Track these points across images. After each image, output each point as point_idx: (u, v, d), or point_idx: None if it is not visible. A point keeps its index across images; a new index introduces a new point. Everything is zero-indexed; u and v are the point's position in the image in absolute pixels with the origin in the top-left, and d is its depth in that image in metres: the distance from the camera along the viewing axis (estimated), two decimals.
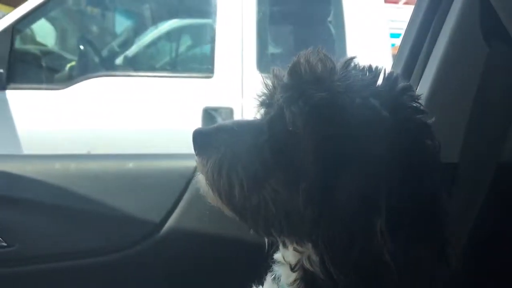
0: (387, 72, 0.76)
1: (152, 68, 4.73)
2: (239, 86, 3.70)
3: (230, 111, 3.61)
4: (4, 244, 1.29)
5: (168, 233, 1.32)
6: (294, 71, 0.75)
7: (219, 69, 3.71)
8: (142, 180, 1.37)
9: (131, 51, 4.54)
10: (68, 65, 4.32)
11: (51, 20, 4.56)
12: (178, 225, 1.32)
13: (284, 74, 0.77)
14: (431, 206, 0.69)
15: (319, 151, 0.67)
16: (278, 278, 0.81)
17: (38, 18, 4.18)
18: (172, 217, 1.32)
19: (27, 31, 4.23)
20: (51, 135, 3.54)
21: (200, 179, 0.78)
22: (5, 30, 3.72)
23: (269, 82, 0.79)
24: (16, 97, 3.64)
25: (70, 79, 3.96)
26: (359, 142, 0.66)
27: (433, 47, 1.12)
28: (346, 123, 0.67)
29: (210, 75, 3.73)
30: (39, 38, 4.74)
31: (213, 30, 3.81)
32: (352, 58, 0.77)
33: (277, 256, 0.82)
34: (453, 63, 1.12)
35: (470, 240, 1.11)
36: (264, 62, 3.79)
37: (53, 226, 1.33)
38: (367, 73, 0.76)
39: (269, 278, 0.84)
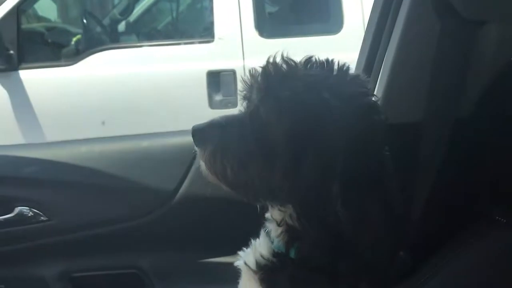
0: (339, 64, 0.94)
1: (155, 33, 4.82)
2: (240, 48, 3.78)
3: (233, 73, 3.73)
4: (46, 218, 1.54)
5: (181, 198, 1.55)
6: (264, 73, 0.93)
7: (219, 33, 3.79)
8: (155, 155, 1.60)
9: (133, 17, 4.60)
10: (74, 39, 4.34)
11: None
12: (189, 191, 1.55)
13: (258, 73, 0.94)
14: (377, 170, 0.88)
15: (287, 137, 0.85)
16: (269, 232, 1.01)
17: None
18: (183, 185, 1.55)
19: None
20: (65, 110, 3.67)
21: (201, 164, 0.97)
22: (10, 12, 3.76)
23: (247, 81, 0.97)
24: (28, 76, 3.74)
25: (78, 54, 4.03)
26: (316, 128, 0.85)
27: (393, 29, 1.29)
28: (306, 114, 0.85)
29: (211, 39, 3.81)
30: (41, 13, 4.82)
31: None
32: (311, 57, 0.95)
33: (267, 215, 1.01)
34: (412, 37, 1.29)
35: (433, 191, 1.31)
36: (262, 22, 3.87)
37: (83, 201, 1.57)
38: (325, 67, 0.94)
39: (263, 232, 1.03)
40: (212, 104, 3.74)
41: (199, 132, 0.95)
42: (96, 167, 1.54)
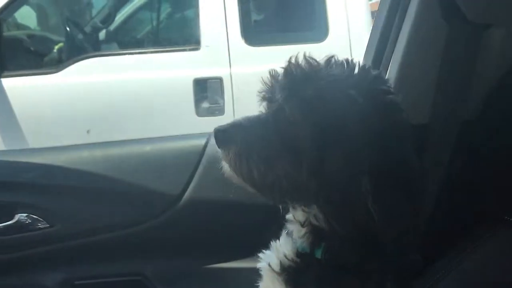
0: (361, 64, 0.96)
1: (140, 41, 4.79)
2: (226, 55, 3.78)
3: (220, 81, 3.73)
4: (47, 225, 1.51)
5: (187, 202, 1.54)
6: (287, 73, 0.93)
7: (206, 41, 3.79)
8: (159, 159, 1.58)
9: (116, 26, 4.57)
10: (56, 47, 4.33)
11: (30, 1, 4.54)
12: (195, 195, 1.53)
13: (279, 74, 0.95)
14: (403, 167, 0.89)
15: (313, 135, 0.86)
16: (291, 233, 1.00)
17: (22, 4, 4.19)
18: (189, 189, 1.53)
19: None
20: (49, 118, 3.62)
21: (225, 166, 0.96)
22: None
23: (267, 81, 0.97)
24: (11, 84, 3.67)
25: (60, 62, 4.01)
26: (343, 125, 0.85)
27: (400, 31, 1.31)
28: (332, 112, 0.86)
29: (197, 47, 3.81)
30: (20, 21, 4.76)
31: (197, 2, 3.85)
32: (332, 56, 0.96)
33: (289, 216, 1.01)
34: (419, 40, 1.31)
35: (441, 192, 1.32)
36: (248, 30, 3.87)
37: (86, 206, 1.54)
38: (346, 67, 0.95)
39: (284, 233, 1.03)
40: (199, 112, 3.74)
41: (221, 134, 0.94)
42: (98, 172, 1.52)
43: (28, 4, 4.45)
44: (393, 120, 0.91)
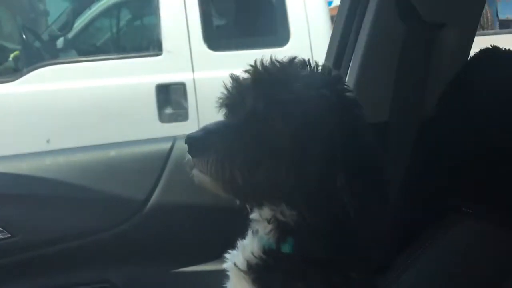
0: (319, 65, 0.97)
1: (99, 48, 4.73)
2: (189, 61, 3.81)
3: (183, 86, 3.72)
4: (9, 235, 1.46)
5: (153, 207, 1.52)
6: (257, 77, 0.93)
7: (167, 47, 3.76)
8: (124, 164, 1.56)
9: (75, 33, 4.50)
10: (12, 55, 4.22)
11: None
12: (161, 200, 1.53)
13: (242, 78, 0.95)
14: (373, 160, 0.91)
15: (293, 137, 0.87)
16: (256, 231, 0.99)
17: None
18: (155, 194, 1.52)
19: None
20: (6, 128, 3.43)
21: (199, 176, 0.92)
22: None
23: (229, 86, 0.95)
24: None
25: (17, 70, 3.92)
26: (319, 124, 0.88)
27: (359, 32, 1.35)
28: (309, 112, 0.87)
29: (159, 53, 3.78)
30: None
31: (157, 8, 3.83)
32: (295, 57, 0.96)
33: (254, 215, 1.00)
34: (377, 40, 1.36)
35: (402, 188, 1.37)
36: (210, 35, 3.87)
37: (50, 215, 1.50)
38: (309, 68, 0.95)
39: (249, 233, 1.02)
40: (162, 118, 3.72)
41: (197, 142, 0.90)
42: (61, 179, 1.49)
43: None
44: (357, 116, 0.94)
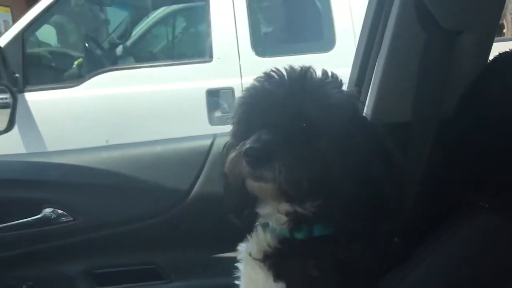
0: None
1: (155, 55, 4.98)
2: (237, 66, 3.92)
3: (231, 91, 3.88)
4: (71, 219, 1.68)
5: (195, 197, 1.69)
6: (301, 83, 1.01)
7: (218, 53, 3.95)
8: (169, 159, 1.74)
9: (133, 41, 4.78)
10: (76, 62, 4.54)
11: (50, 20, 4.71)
12: (202, 191, 1.69)
13: (280, 82, 1.02)
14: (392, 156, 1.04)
15: (336, 138, 0.96)
16: (266, 224, 1.07)
17: (44, 23, 4.39)
18: (196, 185, 1.69)
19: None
20: (69, 130, 3.79)
21: (257, 185, 0.97)
22: (16, 37, 3.95)
23: (257, 92, 1.03)
24: (34, 98, 3.88)
25: (80, 76, 4.22)
26: (348, 123, 0.99)
27: (382, 39, 1.47)
28: (347, 117, 0.99)
29: (210, 59, 3.98)
30: (41, 38, 4.98)
31: (208, 16, 4.02)
32: (309, 67, 1.04)
33: (266, 209, 1.06)
34: (399, 46, 1.46)
35: (422, 183, 1.46)
36: (258, 42, 4.04)
37: (105, 202, 1.70)
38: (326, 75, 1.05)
39: (258, 225, 1.09)
40: (212, 121, 3.89)
41: (263, 152, 0.94)
42: (115, 170, 1.68)
43: (48, 23, 4.64)
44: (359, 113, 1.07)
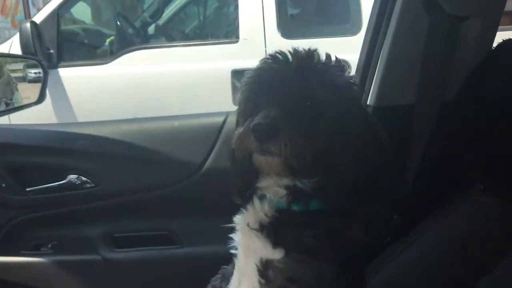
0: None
1: (183, 35, 5.05)
2: (263, 48, 3.96)
3: None
4: (93, 185, 1.82)
5: (207, 170, 1.79)
6: (300, 64, 1.04)
7: (244, 34, 4.01)
8: (186, 133, 1.85)
9: (163, 20, 4.83)
10: (108, 40, 4.67)
11: None
12: (214, 164, 1.79)
13: (288, 62, 1.06)
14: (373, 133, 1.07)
15: (339, 115, 1.01)
16: (263, 196, 1.12)
17: (78, 0, 4.52)
18: (209, 159, 1.79)
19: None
20: (99, 105, 3.94)
21: (264, 159, 1.02)
22: (52, 14, 4.08)
23: (270, 66, 1.07)
24: (67, 73, 4.02)
25: (111, 54, 4.35)
26: (351, 104, 1.05)
27: (388, 25, 1.52)
28: (349, 95, 1.05)
29: (236, 40, 4.04)
30: (76, 16, 5.13)
31: None
32: (314, 49, 1.07)
33: (266, 183, 1.11)
34: (404, 31, 1.51)
35: (423, 164, 1.52)
36: (284, 24, 4.06)
37: (125, 170, 1.82)
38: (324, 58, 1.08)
39: (255, 197, 1.14)
40: (236, 101, 3.93)
41: (267, 128, 0.99)
42: (135, 142, 1.79)
43: (83, 0, 4.78)
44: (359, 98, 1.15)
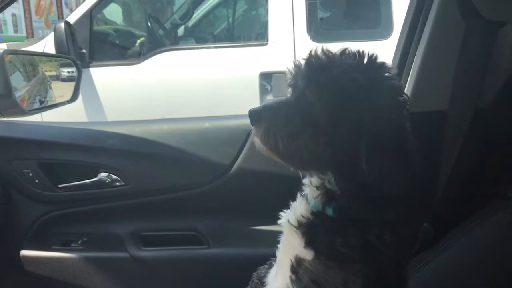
0: (369, 54, 1.11)
1: (213, 37, 5.07)
2: (292, 51, 3.95)
3: (284, 75, 3.88)
4: (123, 183, 1.84)
5: (236, 171, 1.80)
6: (308, 63, 1.10)
7: (273, 37, 4.00)
8: (215, 134, 1.86)
9: (192, 22, 4.88)
10: (139, 41, 4.72)
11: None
12: (243, 166, 1.79)
13: (301, 64, 1.12)
14: (395, 135, 1.03)
15: (327, 113, 1.03)
16: (306, 195, 1.17)
17: (111, 1, 4.60)
18: (238, 160, 1.80)
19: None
20: (129, 105, 3.96)
21: (256, 140, 1.12)
22: (85, 15, 4.14)
23: (292, 70, 1.14)
24: (98, 73, 4.08)
25: (142, 55, 4.39)
26: (348, 103, 1.03)
27: (423, 28, 1.50)
28: (341, 93, 1.04)
29: (265, 43, 4.03)
30: (108, 17, 5.21)
31: (266, 1, 4.07)
32: (346, 49, 1.11)
33: (305, 180, 1.18)
34: (440, 34, 1.49)
35: (454, 172, 1.49)
36: (313, 27, 4.04)
37: (155, 170, 1.84)
38: (357, 57, 1.10)
39: (299, 195, 1.20)
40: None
41: (255, 114, 1.12)
42: (165, 142, 1.81)
43: (115, 2, 4.86)
44: (392, 99, 1.08)
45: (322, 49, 1.11)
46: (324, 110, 1.05)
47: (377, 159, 1.02)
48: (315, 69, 1.09)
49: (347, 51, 1.12)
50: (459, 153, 1.49)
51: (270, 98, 3.90)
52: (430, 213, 1.53)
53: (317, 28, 4.17)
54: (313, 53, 1.12)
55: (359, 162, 1.02)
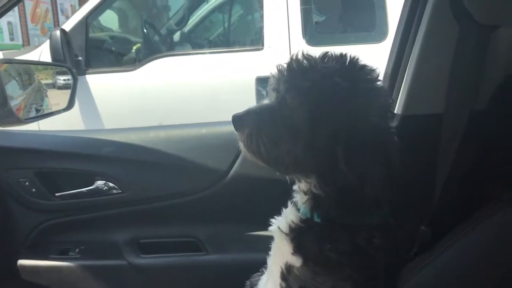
0: (351, 57, 1.11)
1: (208, 42, 5.07)
2: (288, 55, 3.98)
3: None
4: (120, 191, 1.84)
5: (233, 177, 1.80)
6: (289, 68, 1.10)
7: (269, 41, 4.01)
8: (212, 140, 1.86)
9: (188, 27, 4.88)
10: (134, 47, 4.71)
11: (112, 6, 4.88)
12: (240, 172, 1.79)
13: (284, 68, 1.12)
14: (375, 137, 1.02)
15: (307, 118, 1.03)
16: (296, 202, 1.18)
17: (106, 8, 4.58)
18: (235, 166, 1.80)
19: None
20: (125, 112, 3.97)
21: (241, 145, 1.13)
22: (80, 22, 4.14)
23: (275, 75, 1.15)
24: (94, 80, 4.07)
25: (138, 61, 4.39)
26: (328, 107, 1.02)
27: (417, 32, 1.50)
28: (320, 97, 1.03)
29: (260, 47, 4.05)
30: (104, 23, 5.20)
31: (261, 4, 4.07)
32: (327, 52, 1.12)
33: (295, 187, 1.19)
34: (433, 38, 1.50)
35: (450, 175, 1.49)
36: (309, 31, 4.05)
37: (152, 177, 1.85)
38: (339, 60, 1.09)
39: (290, 203, 1.21)
40: None
41: (238, 119, 1.13)
42: (162, 149, 1.82)
43: (111, 8, 4.85)
44: (373, 101, 1.07)
45: (303, 53, 1.11)
46: (303, 114, 1.05)
47: (356, 162, 1.01)
48: (296, 73, 1.09)
49: (328, 54, 1.12)
50: (455, 156, 1.48)
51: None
52: (427, 216, 1.53)
53: (313, 32, 4.18)
54: (294, 57, 1.12)
55: (337, 163, 1.02)
